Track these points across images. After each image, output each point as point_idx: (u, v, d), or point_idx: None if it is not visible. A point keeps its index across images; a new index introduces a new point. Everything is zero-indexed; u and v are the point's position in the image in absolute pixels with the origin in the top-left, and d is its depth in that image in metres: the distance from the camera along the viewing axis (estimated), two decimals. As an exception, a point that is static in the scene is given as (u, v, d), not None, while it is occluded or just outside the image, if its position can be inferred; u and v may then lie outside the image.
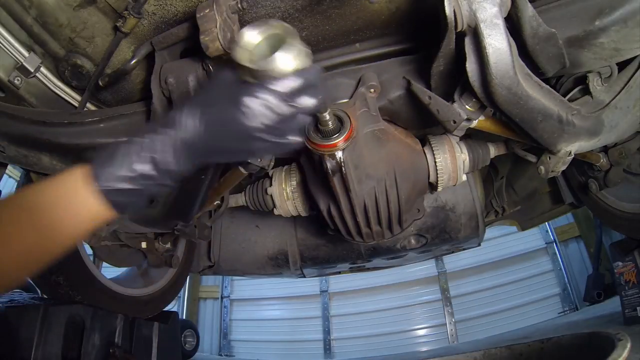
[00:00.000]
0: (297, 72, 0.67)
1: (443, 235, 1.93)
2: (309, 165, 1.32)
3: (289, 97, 0.67)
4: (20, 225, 0.65)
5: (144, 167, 0.67)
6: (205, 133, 0.68)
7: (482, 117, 1.13)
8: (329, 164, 1.12)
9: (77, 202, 0.66)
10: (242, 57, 0.67)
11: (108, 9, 1.16)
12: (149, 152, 0.67)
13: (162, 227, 1.70)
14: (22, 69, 1.21)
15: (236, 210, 2.02)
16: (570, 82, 1.32)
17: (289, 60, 0.66)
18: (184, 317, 6.36)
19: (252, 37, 0.69)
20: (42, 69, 1.26)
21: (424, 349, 5.71)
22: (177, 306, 6.47)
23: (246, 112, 0.66)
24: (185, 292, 6.71)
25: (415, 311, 6.08)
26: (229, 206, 1.67)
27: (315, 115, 1.04)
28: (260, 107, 0.66)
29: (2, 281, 0.66)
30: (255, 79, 0.68)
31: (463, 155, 1.34)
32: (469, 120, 1.10)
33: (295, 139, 0.72)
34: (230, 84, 0.71)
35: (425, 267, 6.04)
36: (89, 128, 1.27)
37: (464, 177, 1.36)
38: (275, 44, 0.68)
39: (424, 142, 1.37)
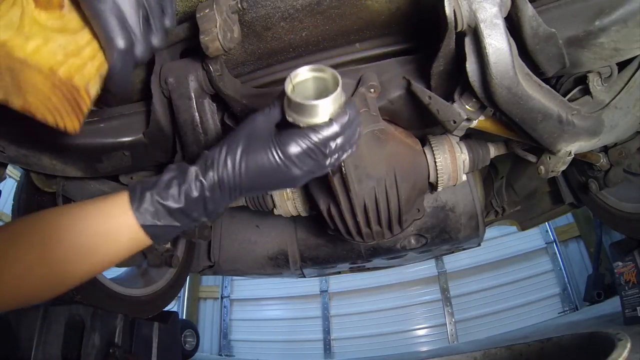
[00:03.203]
0: (335, 118, 0.69)
1: (443, 235, 1.93)
2: (309, 165, 1.32)
3: (328, 141, 0.69)
4: (58, 245, 0.66)
5: (183, 205, 0.68)
6: (246, 177, 0.69)
7: (482, 117, 1.13)
8: (329, 164, 1.12)
9: (118, 231, 0.68)
10: (290, 90, 0.69)
11: (108, 9, 1.16)
12: (189, 191, 0.68)
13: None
14: (22, 69, 1.21)
15: (236, 210, 2.02)
16: (570, 82, 1.32)
17: (328, 110, 0.68)
18: (184, 317, 6.36)
19: (303, 73, 0.71)
20: (42, 69, 1.26)
21: (424, 349, 5.71)
22: (177, 306, 6.47)
23: (288, 164, 0.68)
24: (185, 292, 6.71)
25: (415, 311, 6.08)
26: (229, 206, 1.67)
27: None
28: (302, 156, 0.68)
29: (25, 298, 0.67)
30: (294, 113, 0.69)
31: (463, 155, 1.34)
32: (469, 120, 1.10)
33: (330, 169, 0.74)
34: (270, 124, 0.72)
35: (425, 267, 6.04)
36: (89, 128, 1.27)
37: (464, 177, 1.36)
38: (321, 90, 0.71)
39: (424, 142, 1.37)
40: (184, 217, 0.69)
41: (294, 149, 0.67)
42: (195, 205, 0.69)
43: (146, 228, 0.67)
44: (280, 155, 0.67)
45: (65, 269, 0.67)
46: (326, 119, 0.68)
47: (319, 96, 0.68)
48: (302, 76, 0.71)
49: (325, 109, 0.67)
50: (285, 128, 0.71)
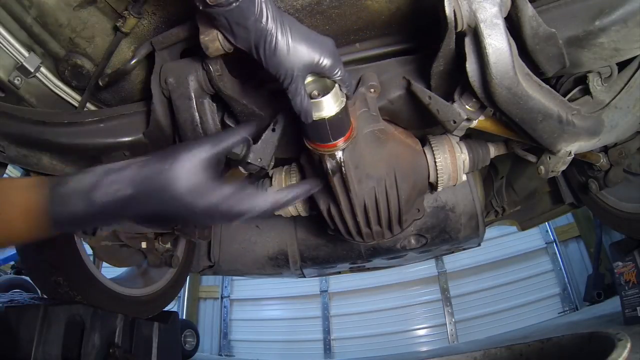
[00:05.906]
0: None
1: (443, 235, 1.93)
2: (309, 165, 1.32)
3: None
4: None
5: (94, 209, 0.70)
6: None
7: (482, 117, 1.13)
8: (329, 164, 1.12)
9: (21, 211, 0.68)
10: None
11: (108, 9, 1.16)
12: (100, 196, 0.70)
13: (162, 227, 1.70)
14: (22, 69, 1.21)
15: (236, 210, 2.01)
16: (570, 82, 1.32)
17: None
18: (184, 317, 6.36)
19: None
20: (42, 69, 1.26)
21: (424, 349, 5.71)
22: (177, 306, 6.48)
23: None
24: (185, 292, 6.71)
25: (415, 311, 6.09)
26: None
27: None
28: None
29: None
30: None
31: (463, 155, 1.34)
32: (469, 120, 1.10)
33: None
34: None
35: (425, 267, 6.05)
36: (89, 128, 1.27)
37: (464, 177, 1.36)
38: None
39: (424, 142, 1.37)
40: (93, 218, 0.71)
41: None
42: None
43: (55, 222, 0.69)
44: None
45: None
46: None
47: None
48: None
49: None
50: None
